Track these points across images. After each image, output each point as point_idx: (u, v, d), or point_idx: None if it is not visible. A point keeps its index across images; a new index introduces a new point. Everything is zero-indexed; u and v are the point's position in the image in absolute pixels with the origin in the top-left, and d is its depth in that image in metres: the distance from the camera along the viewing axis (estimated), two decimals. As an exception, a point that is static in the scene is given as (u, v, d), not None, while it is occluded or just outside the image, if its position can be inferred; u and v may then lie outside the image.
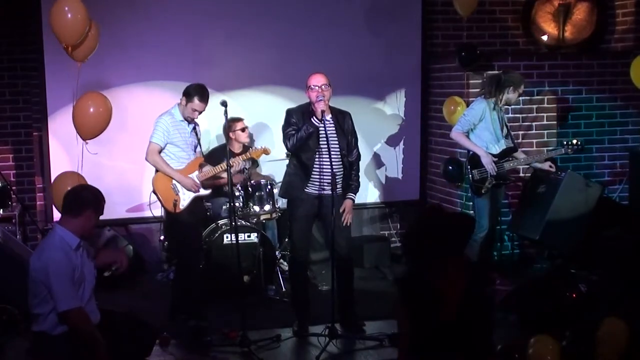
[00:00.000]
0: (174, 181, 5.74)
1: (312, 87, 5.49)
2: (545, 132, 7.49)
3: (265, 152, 6.36)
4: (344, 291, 5.65)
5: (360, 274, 6.71)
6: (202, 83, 5.80)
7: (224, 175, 5.88)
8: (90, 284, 4.22)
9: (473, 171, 6.45)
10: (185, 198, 5.76)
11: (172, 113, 5.76)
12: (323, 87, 5.46)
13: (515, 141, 6.61)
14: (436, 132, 7.92)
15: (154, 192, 5.83)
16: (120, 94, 7.17)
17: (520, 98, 7.38)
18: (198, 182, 5.79)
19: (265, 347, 5.36)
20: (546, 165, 6.69)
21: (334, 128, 5.57)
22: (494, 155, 6.41)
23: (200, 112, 5.74)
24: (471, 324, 3.40)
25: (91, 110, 6.01)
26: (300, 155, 5.55)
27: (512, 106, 7.32)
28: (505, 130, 6.50)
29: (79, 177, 6.08)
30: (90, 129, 6.05)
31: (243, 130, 7.03)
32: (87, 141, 6.06)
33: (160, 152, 5.72)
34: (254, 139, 7.45)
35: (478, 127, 6.41)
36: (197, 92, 5.68)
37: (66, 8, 5.74)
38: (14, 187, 7.04)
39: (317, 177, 5.53)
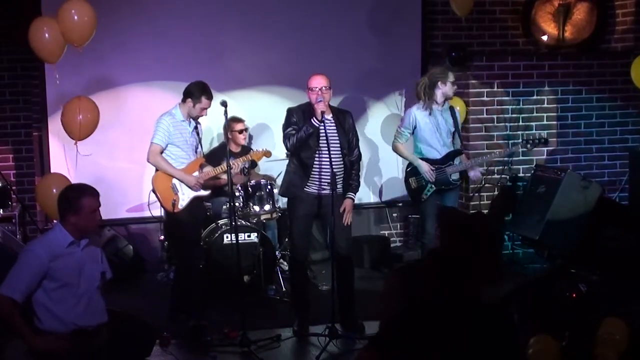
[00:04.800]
0: (173, 181, 5.74)
1: (312, 89, 5.49)
2: (545, 132, 7.49)
3: (266, 154, 6.33)
4: (344, 291, 5.65)
5: (360, 274, 6.71)
6: (201, 80, 5.83)
7: (224, 176, 5.89)
8: (90, 284, 4.23)
9: (410, 179, 6.36)
10: (184, 198, 5.76)
11: (173, 113, 5.76)
12: (323, 89, 5.46)
13: (462, 143, 6.42)
14: (436, 132, 7.92)
15: (153, 191, 5.83)
16: (120, 94, 7.18)
17: (521, 98, 7.42)
18: (200, 180, 5.80)
19: (265, 347, 5.37)
20: (476, 172, 6.51)
21: (334, 127, 5.57)
22: (434, 161, 6.26)
23: (207, 109, 5.78)
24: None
25: (79, 117, 6.05)
26: (301, 154, 5.55)
27: (512, 106, 7.36)
28: (449, 134, 6.31)
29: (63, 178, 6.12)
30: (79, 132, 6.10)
31: (241, 132, 7.00)
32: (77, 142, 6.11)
33: (161, 152, 5.72)
34: (252, 140, 7.44)
35: (417, 135, 6.31)
36: (202, 91, 5.71)
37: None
38: (14, 187, 7.03)
39: (317, 176, 5.53)
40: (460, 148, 6.40)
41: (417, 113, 6.29)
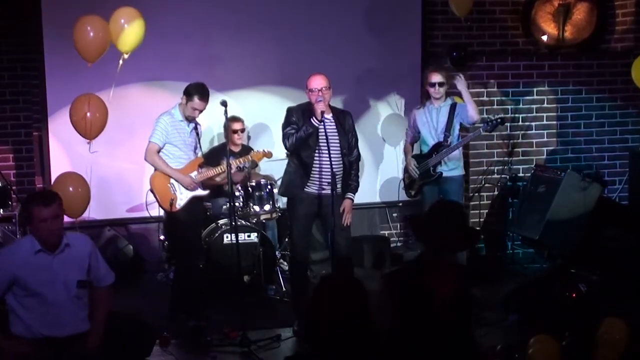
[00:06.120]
0: (171, 180, 5.74)
1: (312, 90, 5.49)
2: (545, 132, 7.50)
3: (267, 155, 6.33)
4: (344, 291, 5.64)
5: (360, 274, 6.71)
6: (201, 82, 5.81)
7: (222, 177, 5.89)
8: (61, 294, 4.11)
9: (404, 176, 6.70)
10: (183, 198, 5.76)
11: (172, 113, 5.77)
12: (323, 89, 5.46)
13: (446, 135, 6.40)
14: (436, 132, 7.92)
15: (151, 190, 5.84)
16: (120, 93, 7.15)
17: (521, 98, 7.42)
18: (196, 181, 5.79)
19: (265, 347, 5.36)
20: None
21: (334, 127, 5.57)
22: (422, 155, 6.51)
23: (201, 111, 5.75)
24: (461, 322, 3.44)
25: (88, 115, 5.97)
26: (300, 153, 5.55)
27: (512, 106, 7.36)
28: (441, 127, 6.41)
29: (78, 177, 6.07)
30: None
31: (235, 132, 6.94)
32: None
33: (159, 152, 5.73)
34: (252, 140, 7.44)
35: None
36: (197, 91, 5.68)
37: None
38: (14, 187, 7.03)
39: (317, 176, 5.54)
40: (443, 139, 6.42)
41: (416, 112, 6.59)
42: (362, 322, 2.69)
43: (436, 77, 6.36)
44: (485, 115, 7.10)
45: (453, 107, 6.43)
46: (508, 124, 7.37)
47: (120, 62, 5.94)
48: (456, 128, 6.43)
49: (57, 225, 4.08)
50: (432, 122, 6.45)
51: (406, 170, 6.68)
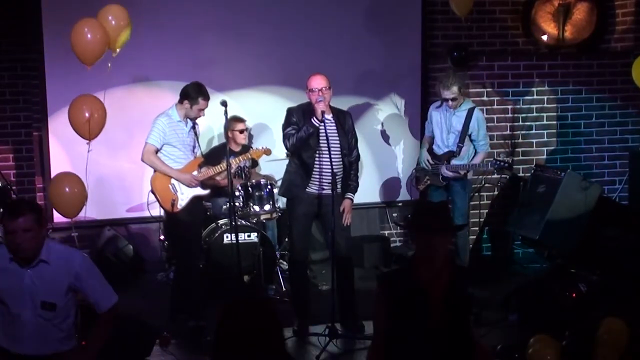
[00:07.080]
0: (172, 181, 5.74)
1: (312, 90, 5.49)
2: (545, 132, 7.50)
3: (266, 152, 6.38)
4: (344, 291, 5.65)
5: (360, 274, 6.71)
6: (197, 81, 5.83)
7: (223, 176, 5.89)
8: (28, 310, 3.82)
9: (417, 166, 6.84)
10: (184, 198, 5.76)
11: (169, 114, 5.76)
12: (323, 89, 5.47)
13: (459, 147, 6.48)
14: (436, 132, 7.92)
15: (152, 191, 5.84)
16: (120, 93, 7.17)
17: (521, 98, 7.42)
18: (197, 178, 5.79)
19: (265, 347, 5.36)
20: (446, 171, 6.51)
21: (334, 127, 5.58)
22: (437, 156, 6.59)
23: (205, 109, 5.78)
24: (458, 321, 3.44)
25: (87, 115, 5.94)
26: (301, 153, 5.56)
27: (512, 106, 7.36)
28: (452, 133, 6.51)
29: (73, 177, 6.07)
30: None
31: (241, 132, 6.99)
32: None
33: (156, 152, 5.73)
34: (252, 140, 7.44)
35: None
36: (199, 92, 5.70)
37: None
38: (14, 187, 7.03)
39: (317, 176, 5.54)
40: (456, 150, 6.51)
41: (433, 110, 6.73)
42: (270, 345, 2.59)
43: (448, 94, 6.40)
44: (499, 150, 7.26)
45: (470, 113, 6.47)
46: (508, 125, 7.39)
47: (109, 63, 5.91)
48: (470, 136, 6.49)
49: (26, 239, 3.72)
50: (445, 124, 6.54)
51: (418, 162, 6.83)
